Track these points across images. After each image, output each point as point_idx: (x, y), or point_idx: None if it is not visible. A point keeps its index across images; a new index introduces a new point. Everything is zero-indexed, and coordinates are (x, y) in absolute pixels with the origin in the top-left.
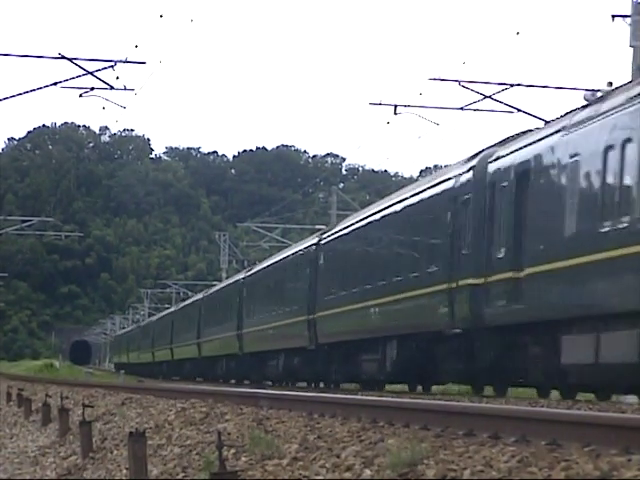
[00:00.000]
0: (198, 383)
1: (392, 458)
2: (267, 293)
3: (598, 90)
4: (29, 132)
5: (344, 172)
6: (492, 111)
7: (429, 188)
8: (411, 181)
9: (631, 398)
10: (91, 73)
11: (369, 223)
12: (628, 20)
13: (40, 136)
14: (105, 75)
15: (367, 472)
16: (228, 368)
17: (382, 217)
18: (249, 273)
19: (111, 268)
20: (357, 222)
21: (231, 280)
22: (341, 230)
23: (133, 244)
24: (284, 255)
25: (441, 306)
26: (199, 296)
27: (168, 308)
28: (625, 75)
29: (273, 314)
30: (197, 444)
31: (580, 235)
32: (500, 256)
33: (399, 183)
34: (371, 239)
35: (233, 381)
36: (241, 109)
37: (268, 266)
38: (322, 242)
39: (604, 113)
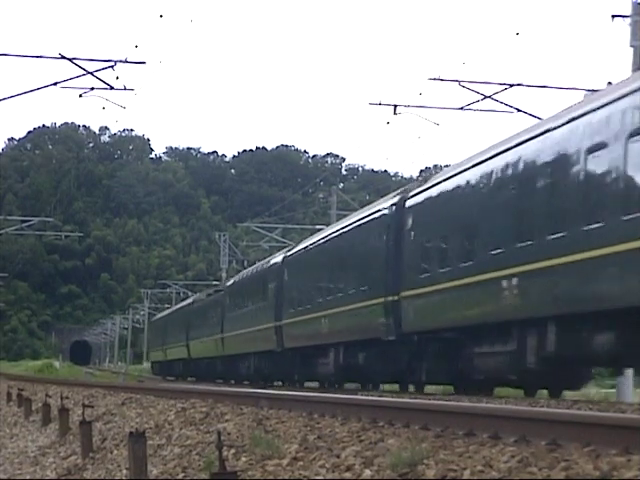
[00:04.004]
0: (219, 384)
1: (392, 458)
2: (320, 274)
3: (598, 90)
4: (29, 132)
5: (344, 172)
6: (492, 111)
7: None
8: (411, 181)
9: None
10: (91, 73)
11: (509, 165)
12: (628, 20)
13: (40, 136)
14: (105, 75)
15: (367, 472)
16: (260, 367)
17: (549, 142)
18: (292, 251)
19: (111, 268)
20: (476, 164)
21: (266, 262)
22: (443, 181)
23: (133, 244)
24: (345, 224)
25: None
26: (230, 281)
27: (168, 308)
28: (625, 75)
29: (329, 299)
30: (197, 444)
31: None
32: None
33: (399, 183)
34: (506, 184)
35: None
36: (241, 109)
37: (321, 240)
38: (409, 201)
39: None
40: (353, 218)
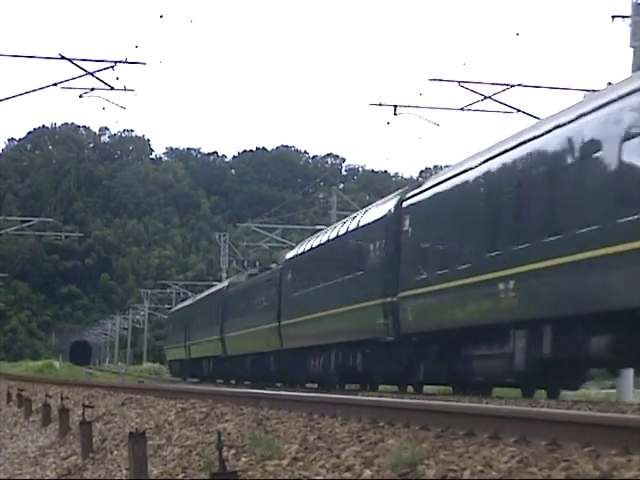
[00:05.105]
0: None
1: (392, 458)
2: (493, 213)
3: (598, 90)
4: (29, 132)
5: (344, 172)
6: (492, 111)
7: None
8: (411, 181)
9: None
10: (91, 74)
11: None
12: (628, 20)
13: (40, 136)
14: (105, 75)
15: (367, 472)
16: (347, 365)
17: None
18: (422, 189)
19: (111, 268)
20: None
21: (355, 217)
22: None
23: (133, 244)
24: (553, 124)
25: None
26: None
27: (169, 309)
28: (625, 75)
29: (527, 247)
30: (197, 444)
31: None
32: None
33: (399, 183)
34: None
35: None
36: (241, 109)
37: (498, 159)
38: None
39: None
40: (567, 115)
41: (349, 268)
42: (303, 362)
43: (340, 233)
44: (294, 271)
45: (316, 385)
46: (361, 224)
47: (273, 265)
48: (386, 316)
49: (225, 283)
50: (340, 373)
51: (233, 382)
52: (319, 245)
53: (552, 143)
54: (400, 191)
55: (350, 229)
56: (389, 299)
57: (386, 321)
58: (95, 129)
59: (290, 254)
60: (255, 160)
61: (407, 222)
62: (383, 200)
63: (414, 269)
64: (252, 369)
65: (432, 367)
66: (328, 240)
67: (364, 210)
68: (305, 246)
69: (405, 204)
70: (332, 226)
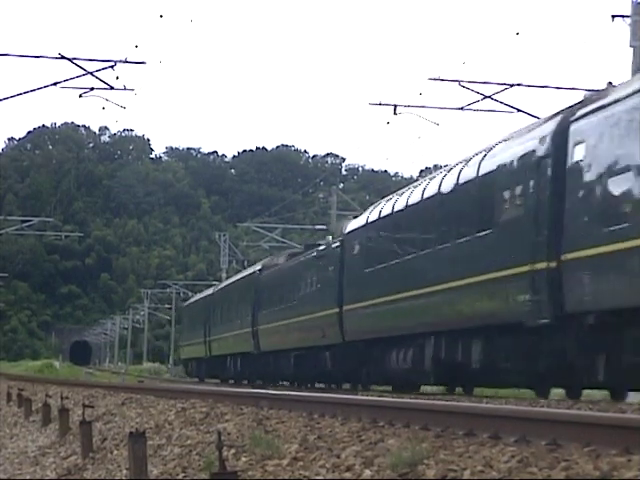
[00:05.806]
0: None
1: (392, 458)
2: None
3: (598, 90)
4: (29, 132)
5: (344, 172)
6: (492, 111)
7: None
8: (411, 181)
9: None
10: (91, 73)
11: None
12: (628, 20)
13: (40, 136)
14: (105, 75)
15: (367, 472)
16: (454, 358)
17: None
18: (601, 107)
19: (111, 268)
20: None
21: (486, 156)
22: None
23: (133, 244)
24: None
25: None
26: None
27: (169, 309)
28: (625, 75)
29: None
30: (197, 444)
31: None
32: None
33: (399, 183)
34: None
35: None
36: (241, 109)
37: None
38: None
39: None
40: None
41: (465, 228)
42: (378, 358)
43: (445, 188)
44: (365, 242)
45: (391, 387)
46: (485, 169)
47: (323, 241)
48: (535, 290)
49: (257, 266)
50: (438, 370)
51: (260, 382)
52: (407, 206)
53: None
54: (555, 113)
55: (465, 179)
56: (543, 265)
57: (535, 297)
58: (95, 129)
59: (356, 222)
60: (255, 160)
61: (582, 151)
62: (521, 130)
63: (599, 217)
64: (297, 368)
65: (626, 362)
66: (423, 198)
67: (486, 148)
68: (383, 209)
69: (576, 127)
70: (427, 177)
